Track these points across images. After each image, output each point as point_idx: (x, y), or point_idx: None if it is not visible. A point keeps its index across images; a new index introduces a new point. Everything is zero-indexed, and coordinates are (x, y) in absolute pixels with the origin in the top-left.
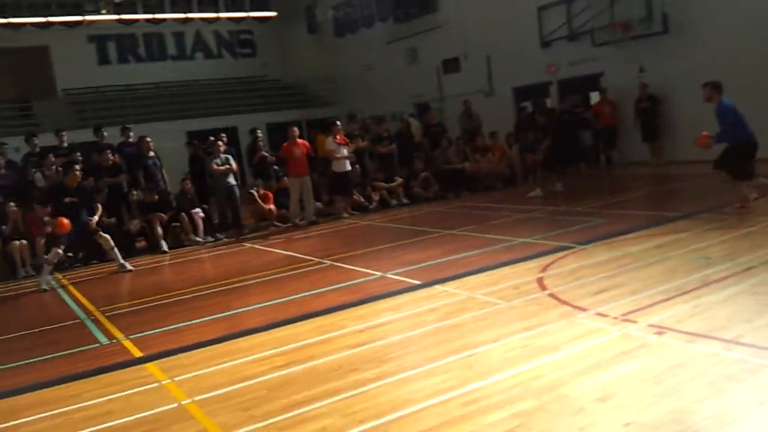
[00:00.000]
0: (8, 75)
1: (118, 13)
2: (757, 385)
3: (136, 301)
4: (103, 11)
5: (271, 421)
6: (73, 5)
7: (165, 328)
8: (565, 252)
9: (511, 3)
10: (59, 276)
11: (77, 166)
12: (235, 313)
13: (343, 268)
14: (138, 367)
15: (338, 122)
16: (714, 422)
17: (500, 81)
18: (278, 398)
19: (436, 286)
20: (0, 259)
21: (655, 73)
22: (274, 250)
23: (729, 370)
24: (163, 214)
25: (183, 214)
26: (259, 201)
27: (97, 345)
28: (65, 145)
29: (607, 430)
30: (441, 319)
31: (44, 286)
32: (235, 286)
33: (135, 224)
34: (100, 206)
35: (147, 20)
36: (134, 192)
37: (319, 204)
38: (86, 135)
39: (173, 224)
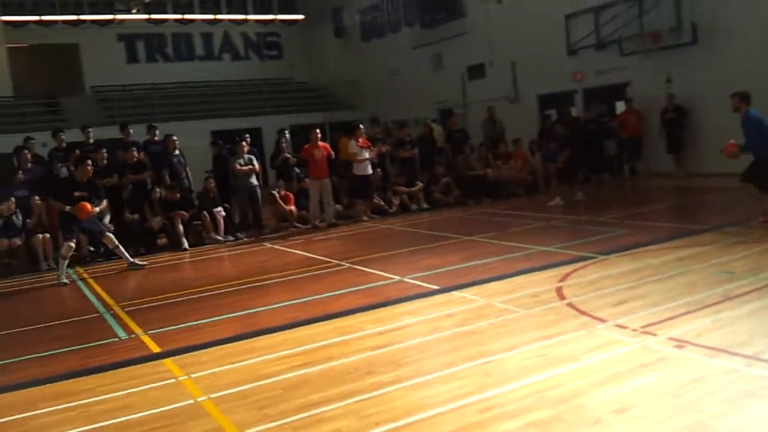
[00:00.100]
0: (38, 71)
1: (148, 13)
2: None
3: (155, 297)
4: (134, 10)
5: (286, 420)
6: (104, 4)
7: (183, 325)
8: (586, 262)
9: (538, 10)
10: (80, 270)
11: (89, 161)
12: (254, 312)
13: (362, 270)
14: (156, 362)
15: (361, 126)
16: None
17: (525, 88)
18: (294, 398)
19: (454, 292)
20: (23, 251)
21: (683, 83)
22: (293, 250)
23: (749, 386)
24: (184, 212)
25: (205, 212)
26: (280, 202)
27: (116, 339)
28: (91, 141)
29: None
30: (458, 325)
31: (64, 280)
32: (254, 285)
33: (157, 221)
34: (105, 201)
35: (176, 20)
36: (157, 189)
37: (339, 206)
38: (112, 132)
39: (195, 222)
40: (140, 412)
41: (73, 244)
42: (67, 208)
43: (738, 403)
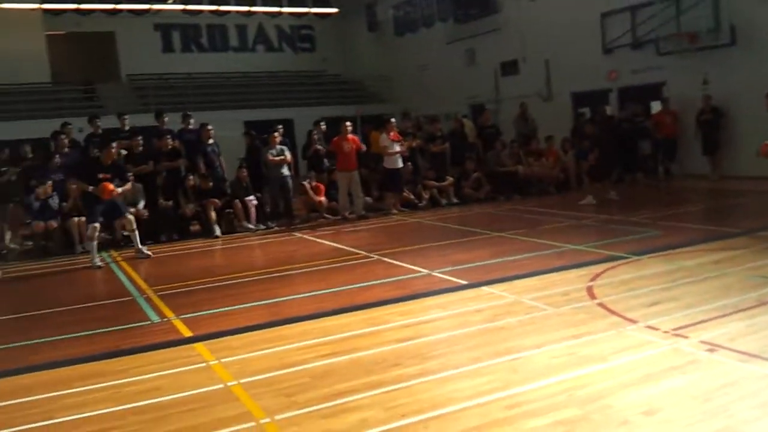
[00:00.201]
0: (75, 58)
1: (184, 4)
2: None
3: (187, 282)
4: (170, 1)
5: (313, 408)
6: None
7: (214, 311)
8: (618, 262)
9: (574, 8)
10: (115, 254)
11: (114, 144)
12: (283, 300)
13: (390, 263)
14: (187, 346)
15: (392, 119)
16: None
17: (559, 85)
18: (321, 386)
19: (483, 288)
20: (59, 234)
21: (720, 85)
22: (322, 241)
23: None
24: (217, 200)
25: (237, 200)
26: (311, 192)
27: (149, 323)
28: (127, 128)
29: None
30: (486, 321)
31: (98, 263)
32: (283, 274)
33: (190, 208)
34: (130, 184)
35: (211, 11)
36: (190, 177)
37: (368, 199)
38: (148, 119)
39: (227, 210)
40: (171, 394)
41: (97, 225)
42: (90, 188)
43: None
